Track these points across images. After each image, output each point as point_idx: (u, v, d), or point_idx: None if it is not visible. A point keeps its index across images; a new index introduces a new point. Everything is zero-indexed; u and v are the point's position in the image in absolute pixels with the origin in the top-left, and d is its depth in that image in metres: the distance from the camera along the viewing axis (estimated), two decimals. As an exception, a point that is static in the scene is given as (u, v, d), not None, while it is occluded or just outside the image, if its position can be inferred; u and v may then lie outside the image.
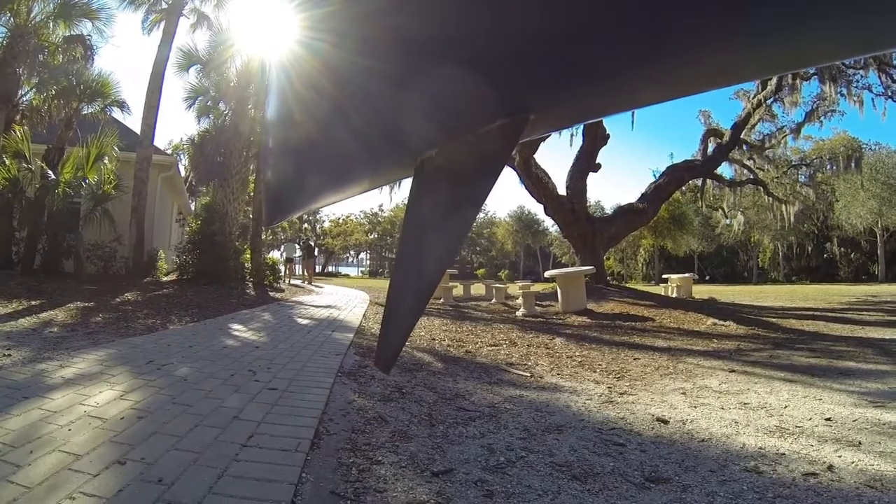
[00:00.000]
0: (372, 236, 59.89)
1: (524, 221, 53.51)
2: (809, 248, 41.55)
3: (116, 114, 13.98)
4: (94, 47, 13.26)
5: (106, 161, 11.70)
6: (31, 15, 11.85)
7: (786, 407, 4.17)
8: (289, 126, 0.84)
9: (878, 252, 37.27)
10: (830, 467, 2.82)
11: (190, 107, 15.22)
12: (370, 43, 0.52)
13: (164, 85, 13.54)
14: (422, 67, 0.46)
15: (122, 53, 63.04)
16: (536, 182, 14.88)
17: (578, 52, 0.39)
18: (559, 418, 3.70)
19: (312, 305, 11.31)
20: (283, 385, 3.63)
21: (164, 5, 14.16)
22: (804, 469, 2.81)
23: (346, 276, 51.16)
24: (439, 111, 0.48)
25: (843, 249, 41.52)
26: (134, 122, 14.50)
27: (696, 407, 4.23)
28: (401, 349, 0.62)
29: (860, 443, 3.23)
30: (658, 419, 3.82)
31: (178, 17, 13.95)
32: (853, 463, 2.89)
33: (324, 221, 58.95)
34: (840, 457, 2.99)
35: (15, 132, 10.98)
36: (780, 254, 44.40)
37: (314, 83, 0.67)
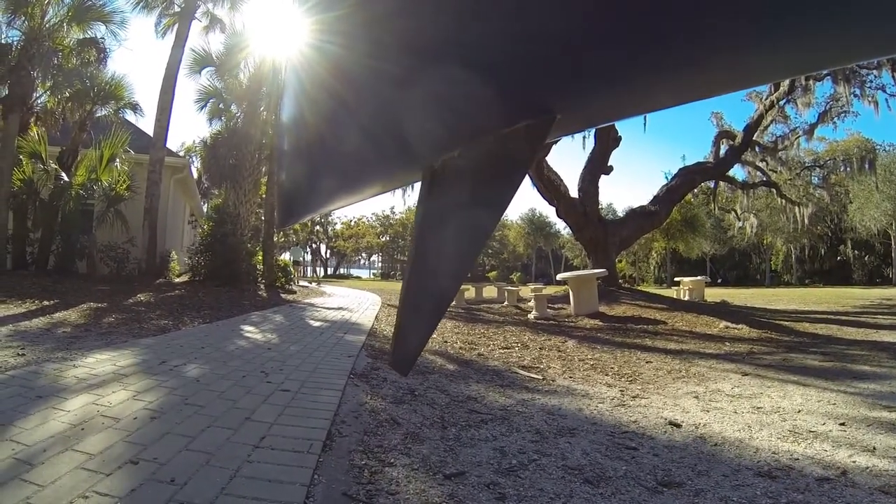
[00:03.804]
0: (384, 238, 60.04)
1: (536, 224, 53.40)
2: (823, 251, 41.07)
3: (129, 116, 14.17)
4: (108, 50, 13.40)
5: (118, 163, 11.83)
6: (46, 18, 12.00)
7: (799, 411, 4.12)
8: (302, 128, 0.84)
9: (893, 255, 36.78)
10: (844, 472, 2.79)
11: (202, 109, 15.37)
12: (387, 45, 0.50)
13: (177, 87, 13.71)
14: (444, 67, 0.45)
15: (135, 56, 63.80)
16: (549, 184, 14.85)
17: (607, 50, 0.38)
18: (571, 421, 3.68)
19: (324, 307, 11.34)
20: (296, 386, 3.64)
21: (177, 8, 14.30)
22: (818, 474, 2.78)
23: (358, 278, 51.28)
24: (462, 112, 0.47)
25: (856, 252, 41.01)
26: (147, 124, 14.65)
27: (708, 411, 4.20)
28: (419, 352, 0.61)
29: (874, 448, 3.19)
30: (671, 423, 3.79)
31: (191, 19, 14.09)
32: (867, 468, 2.85)
33: (336, 224, 59.16)
34: (854, 462, 2.96)
35: (32, 133, 11.12)
36: (793, 256, 43.95)
37: (330, 84, 0.66)
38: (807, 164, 20.93)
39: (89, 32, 13.16)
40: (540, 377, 5.31)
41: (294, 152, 0.96)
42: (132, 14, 15.36)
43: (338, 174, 0.79)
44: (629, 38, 0.36)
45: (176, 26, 14.04)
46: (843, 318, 11.81)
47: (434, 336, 7.74)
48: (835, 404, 4.32)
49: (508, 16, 0.39)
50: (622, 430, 3.58)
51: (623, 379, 5.50)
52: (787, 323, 10.70)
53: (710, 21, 0.33)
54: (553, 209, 15.94)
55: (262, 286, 13.66)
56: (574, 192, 15.27)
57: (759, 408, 4.27)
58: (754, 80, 0.40)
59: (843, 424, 3.72)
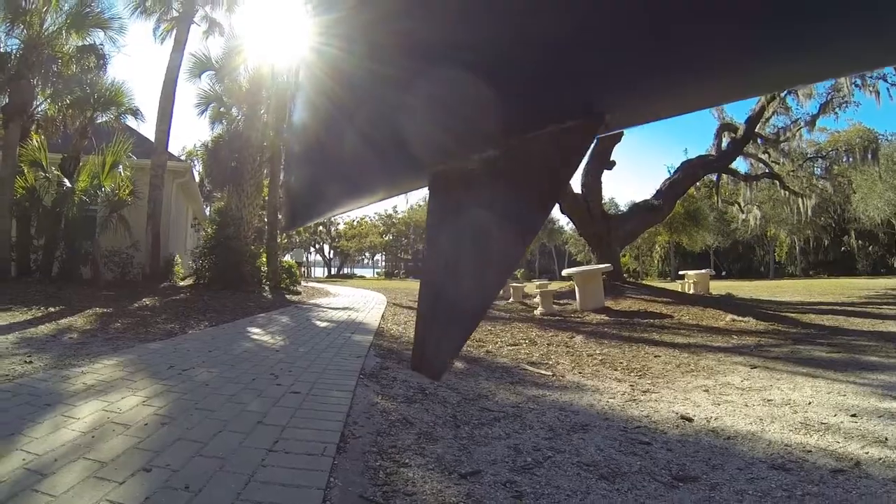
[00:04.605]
0: (387, 237, 59.96)
1: None
2: (826, 242, 40.92)
3: (130, 121, 14.18)
4: (107, 56, 13.41)
5: (121, 168, 11.84)
6: (45, 26, 12.00)
7: (810, 403, 4.10)
8: (314, 132, 0.82)
9: (898, 244, 36.72)
10: (858, 464, 2.78)
11: (202, 113, 15.38)
12: (412, 39, 0.48)
13: (177, 91, 13.70)
14: (480, 63, 0.43)
15: (135, 62, 63.68)
16: None
17: (664, 45, 0.36)
18: (583, 417, 3.66)
19: (330, 308, 11.34)
20: (306, 388, 3.62)
21: (175, 13, 14.30)
22: (832, 466, 2.77)
23: (362, 277, 51.26)
24: (499, 112, 0.44)
25: (860, 242, 40.85)
26: (148, 129, 14.65)
27: (719, 404, 4.18)
28: (454, 359, 0.59)
29: (886, 438, 3.18)
30: (682, 417, 3.77)
31: (190, 24, 14.09)
32: (880, 459, 2.85)
33: (339, 224, 59.10)
34: (867, 453, 2.94)
35: (32, 141, 11.13)
36: (797, 248, 43.83)
37: (347, 85, 0.64)
38: (809, 156, 20.85)
39: (88, 39, 13.17)
40: (549, 373, 5.29)
41: (304, 157, 0.94)
42: (130, 20, 15.42)
43: (351, 178, 0.77)
44: (687, 31, 0.34)
45: (174, 31, 14.04)
46: (849, 308, 11.77)
47: None
48: (845, 395, 4.30)
49: (555, 7, 0.37)
50: (634, 424, 3.56)
51: (632, 374, 5.48)
52: (793, 315, 10.67)
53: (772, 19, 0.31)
54: (557, 205, 15.90)
55: (266, 288, 13.67)
56: (577, 188, 15.23)
57: (769, 400, 4.25)
58: (800, 81, 0.39)
59: (854, 416, 3.70)
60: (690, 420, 3.70)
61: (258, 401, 3.24)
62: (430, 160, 0.56)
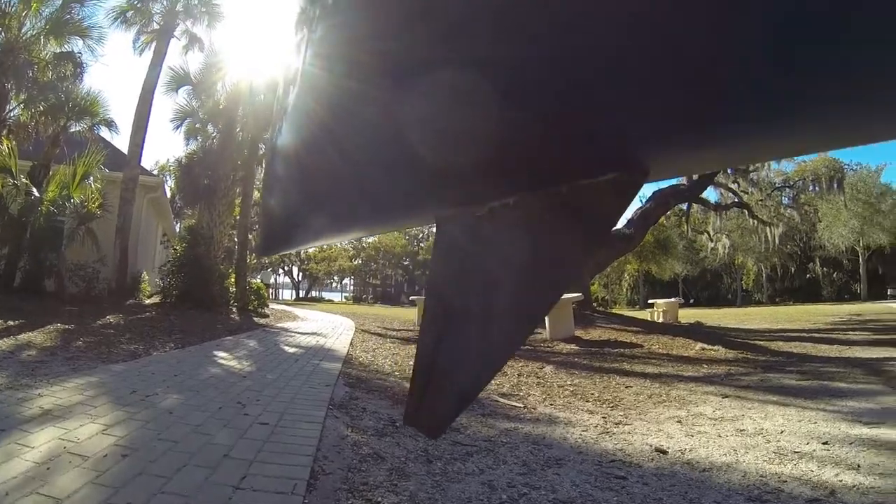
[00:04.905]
0: (356, 262, 59.34)
1: None
2: (793, 269, 41.95)
3: (104, 133, 13.89)
4: (84, 65, 13.16)
5: (91, 180, 11.54)
6: (23, 31, 11.74)
7: (782, 432, 4.14)
8: (303, 158, 0.77)
9: (860, 271, 37.88)
10: (833, 492, 2.81)
11: (178, 128, 15.17)
12: (420, 62, 0.43)
13: (153, 105, 13.53)
14: (525, 104, 0.38)
15: (112, 72, 62.67)
16: None
17: (720, 95, 0.32)
18: (557, 451, 3.62)
19: (298, 332, 11.15)
20: (274, 419, 3.50)
21: (156, 26, 14.16)
22: (807, 495, 2.79)
23: (330, 301, 50.50)
24: (531, 156, 0.40)
25: (825, 269, 42.05)
26: (121, 141, 14.36)
27: (692, 435, 4.19)
28: (458, 415, 0.54)
29: (859, 465, 3.22)
30: (657, 449, 3.76)
31: (170, 38, 13.97)
32: (855, 486, 2.88)
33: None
34: (841, 481, 2.98)
35: (2, 147, 10.80)
36: (764, 275, 44.81)
37: (342, 111, 0.59)
38: (777, 185, 21.49)
39: (66, 46, 12.91)
40: (521, 405, 5.24)
41: (288, 182, 0.89)
42: (110, 30, 15.19)
43: (340, 211, 0.72)
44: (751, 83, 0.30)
45: (154, 44, 13.89)
46: (816, 335, 12.02)
47: (410, 363, 7.61)
48: (816, 423, 4.36)
49: (609, 54, 0.32)
50: (609, 458, 3.54)
51: (604, 405, 5.46)
52: (761, 342, 10.84)
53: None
54: None
55: (234, 309, 13.41)
56: None
57: (742, 430, 4.28)
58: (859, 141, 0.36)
59: (826, 443, 3.75)
60: (665, 452, 3.69)
61: (225, 432, 3.12)
62: (441, 204, 0.52)
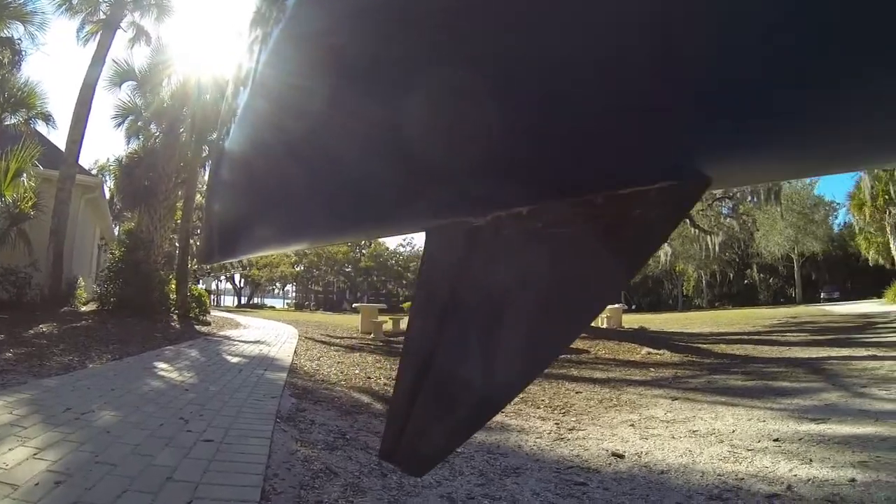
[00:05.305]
0: (298, 269, 58.19)
1: None
2: (731, 275, 43.79)
3: (41, 127, 13.11)
4: (24, 53, 12.35)
5: (25, 178, 10.80)
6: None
7: (733, 431, 4.26)
8: (253, 161, 0.68)
9: (795, 276, 40.02)
10: (790, 487, 2.89)
11: (119, 125, 14.41)
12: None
13: (95, 100, 12.73)
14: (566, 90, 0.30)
15: (53, 63, 59.13)
16: None
17: (796, 96, 0.26)
18: (513, 460, 3.58)
19: (241, 341, 10.78)
20: (220, 435, 3.29)
21: (102, 16, 13.37)
22: (766, 491, 2.87)
23: (272, 308, 49.22)
24: (559, 157, 0.33)
25: (762, 275, 44.14)
26: (59, 137, 13.56)
27: (647, 438, 4.24)
28: (448, 454, 0.45)
29: (811, 460, 3.34)
30: (613, 454, 3.78)
31: (116, 29, 13.24)
32: (809, 480, 2.97)
33: (249, 253, 56.80)
34: (796, 476, 3.07)
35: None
36: (704, 281, 46.61)
37: (297, 108, 0.52)
38: (718, 196, 22.35)
39: (5, 32, 12.06)
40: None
41: (237, 186, 0.80)
42: (54, 16, 14.22)
43: (298, 219, 0.64)
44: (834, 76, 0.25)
45: (99, 34, 13.06)
46: (756, 337, 12.55)
47: (356, 371, 7.58)
48: (765, 421, 4.51)
49: (662, 50, 0.26)
50: (567, 465, 3.53)
51: (556, 411, 5.48)
52: (705, 346, 11.22)
53: None
54: None
55: (175, 317, 12.87)
56: None
57: (695, 431, 4.37)
58: None
59: (777, 440, 3.88)
60: (622, 456, 3.72)
61: (167, 451, 2.90)
62: (430, 213, 0.44)
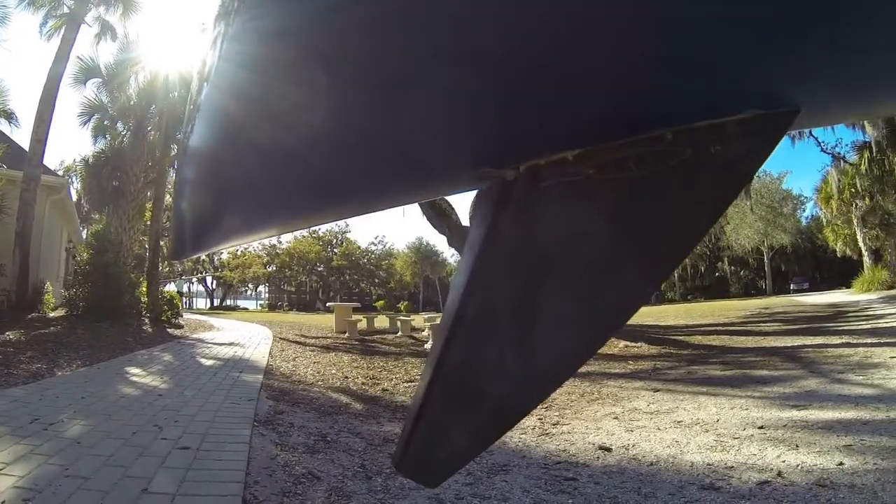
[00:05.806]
0: (270, 269, 57.50)
1: (423, 253, 52.87)
2: (703, 268, 44.71)
3: (3, 126, 12.72)
4: (-16, 49, 11.90)
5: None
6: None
7: (718, 420, 4.28)
8: (225, 151, 0.66)
9: (765, 268, 40.97)
10: (780, 473, 2.91)
11: (85, 124, 14.05)
12: None
13: (59, 98, 12.34)
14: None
15: (14, 59, 57.23)
16: (440, 213, 14.78)
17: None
18: (500, 457, 3.53)
19: (215, 343, 10.67)
20: (196, 442, 3.17)
21: (66, 10, 12.97)
22: (756, 478, 2.88)
23: (245, 309, 48.62)
24: (620, 87, 0.26)
25: (733, 268, 45.09)
26: (22, 136, 13.08)
27: (632, 431, 4.24)
28: (467, 462, 0.39)
29: (797, 445, 3.37)
30: (601, 447, 3.77)
31: (80, 24, 12.84)
32: (798, 465, 3.00)
33: (222, 253, 55.96)
34: (784, 462, 3.09)
35: None
36: (676, 275, 47.48)
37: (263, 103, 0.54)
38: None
39: None
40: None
41: (208, 175, 0.75)
42: (15, 10, 13.65)
43: (273, 198, 0.63)
44: None
45: (63, 30, 12.66)
46: (731, 328, 12.75)
47: (333, 371, 7.51)
48: (748, 409, 4.55)
49: None
50: (555, 460, 3.50)
51: (538, 406, 5.46)
52: (681, 337, 11.36)
53: None
54: (443, 238, 15.98)
55: (146, 320, 12.60)
56: (466, 221, 15.40)
57: (679, 422, 4.38)
58: None
59: (761, 427, 3.91)
60: (609, 450, 3.70)
61: (142, 461, 2.76)
62: (486, 155, 0.36)
